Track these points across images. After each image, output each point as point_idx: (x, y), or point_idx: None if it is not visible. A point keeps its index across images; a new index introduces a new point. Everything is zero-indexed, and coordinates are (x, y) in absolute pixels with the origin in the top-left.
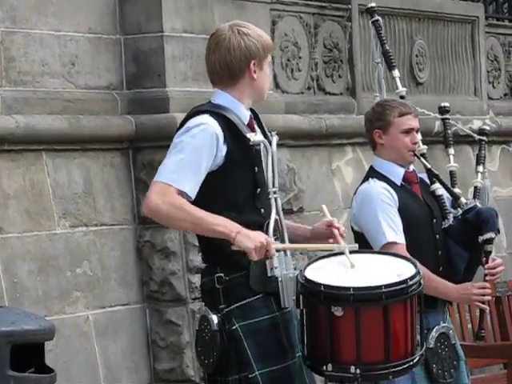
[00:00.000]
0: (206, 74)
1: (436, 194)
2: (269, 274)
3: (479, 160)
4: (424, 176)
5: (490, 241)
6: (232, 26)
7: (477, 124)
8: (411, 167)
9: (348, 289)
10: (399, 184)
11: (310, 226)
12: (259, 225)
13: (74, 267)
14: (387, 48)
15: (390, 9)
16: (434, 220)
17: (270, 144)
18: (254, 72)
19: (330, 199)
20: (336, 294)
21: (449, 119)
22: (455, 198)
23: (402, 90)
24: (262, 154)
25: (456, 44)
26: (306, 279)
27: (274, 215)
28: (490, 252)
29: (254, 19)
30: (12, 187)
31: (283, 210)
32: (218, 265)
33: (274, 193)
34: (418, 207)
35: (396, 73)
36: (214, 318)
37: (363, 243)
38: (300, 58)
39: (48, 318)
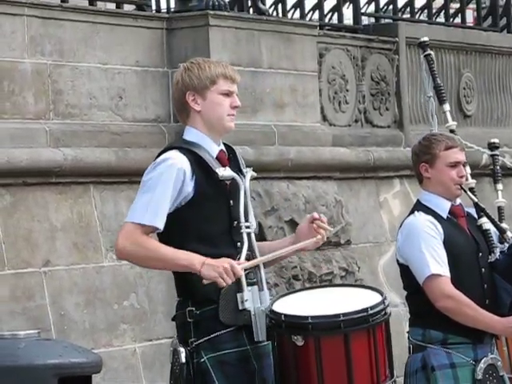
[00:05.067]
0: (253, 107)
1: (483, 228)
2: (240, 308)
3: None
4: (472, 210)
5: None
6: (185, 63)
7: None
8: (458, 201)
9: (306, 318)
10: (445, 217)
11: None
12: (233, 258)
13: (121, 300)
14: (439, 82)
15: (438, 41)
16: (480, 254)
17: (244, 179)
18: (196, 103)
19: (378, 232)
20: (295, 324)
21: (498, 155)
22: (501, 232)
23: (452, 123)
24: (239, 189)
25: (503, 76)
26: (271, 310)
27: (245, 250)
28: None
29: (300, 52)
30: (59, 220)
31: (330, 242)
32: (190, 299)
33: (247, 227)
34: (464, 240)
35: (447, 107)
36: (182, 351)
37: (408, 276)
38: (347, 90)
39: (95, 350)
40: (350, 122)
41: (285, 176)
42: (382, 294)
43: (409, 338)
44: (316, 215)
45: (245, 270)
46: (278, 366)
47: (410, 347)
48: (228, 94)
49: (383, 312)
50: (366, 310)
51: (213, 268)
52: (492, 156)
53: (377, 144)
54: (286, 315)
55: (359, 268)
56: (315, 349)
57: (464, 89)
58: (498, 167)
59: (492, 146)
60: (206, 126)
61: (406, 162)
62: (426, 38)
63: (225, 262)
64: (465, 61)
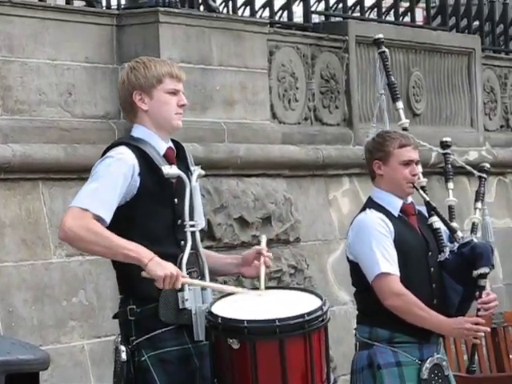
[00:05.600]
0: (203, 104)
1: (433, 227)
2: (180, 307)
3: (478, 196)
4: (423, 209)
5: (484, 275)
6: (130, 62)
7: (473, 155)
8: (409, 199)
9: (242, 321)
10: (396, 215)
11: (239, 255)
12: (177, 257)
13: (69, 296)
14: (392, 79)
15: (388, 40)
16: (430, 253)
17: (191, 177)
18: (143, 102)
19: (327, 230)
20: (232, 327)
21: (450, 154)
22: (452, 232)
23: (405, 121)
24: (185, 187)
25: (453, 76)
26: (209, 312)
27: (188, 249)
28: (484, 287)
29: (251, 49)
30: (8, 216)
31: (279, 240)
32: (131, 297)
33: (191, 226)
34: (414, 239)
35: (400, 104)
36: (123, 350)
37: (357, 273)
38: (297, 88)
39: (43, 347)
40: (299, 120)
41: (234, 173)
42: (321, 298)
43: (356, 335)
44: (264, 252)
45: (188, 273)
46: (215, 367)
47: (356, 344)
48: (174, 93)
49: (321, 318)
50: (302, 316)
51: (161, 267)
52: (444, 155)
53: (326, 142)
54: (222, 318)
55: (308, 266)
56: (250, 353)
57: (413, 87)
58: (450, 166)
59: (444, 145)
60: (153, 125)
61: (355, 160)
62: (380, 36)
63: (172, 268)
64: (414, 60)
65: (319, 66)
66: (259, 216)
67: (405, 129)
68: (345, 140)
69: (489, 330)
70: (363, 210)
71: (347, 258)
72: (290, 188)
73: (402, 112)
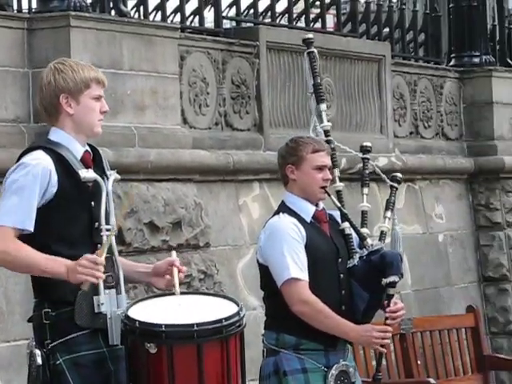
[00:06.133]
0: (114, 109)
1: (345, 233)
2: (96, 310)
3: (388, 205)
4: (337, 214)
5: (392, 284)
6: (54, 63)
7: (382, 162)
8: (321, 205)
9: (160, 326)
10: (308, 221)
11: (151, 265)
12: None
13: None
14: (318, 81)
15: (298, 46)
16: (340, 259)
17: (107, 181)
18: (69, 106)
19: (237, 235)
20: (149, 331)
21: (369, 159)
22: (361, 239)
23: (326, 124)
24: (101, 191)
25: (363, 82)
26: (126, 316)
27: (104, 253)
28: (393, 295)
29: (162, 54)
30: None
31: (189, 245)
32: (46, 300)
33: (107, 230)
34: (325, 245)
35: (323, 107)
36: (38, 354)
37: (267, 276)
38: (208, 93)
39: None
40: (210, 125)
41: (144, 178)
42: (238, 304)
43: (263, 341)
44: (177, 263)
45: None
46: (131, 372)
47: (263, 351)
48: (98, 99)
49: (238, 324)
50: (220, 321)
51: (76, 271)
52: (363, 159)
53: (237, 147)
54: (140, 322)
55: (218, 271)
56: (168, 357)
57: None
58: (367, 171)
59: (364, 150)
60: (74, 129)
61: (265, 166)
62: (310, 35)
63: (80, 260)
64: (325, 66)
65: (230, 71)
66: (169, 221)
67: (327, 131)
68: (255, 145)
69: (388, 341)
70: (276, 213)
71: (257, 261)
72: (201, 193)
73: (324, 114)
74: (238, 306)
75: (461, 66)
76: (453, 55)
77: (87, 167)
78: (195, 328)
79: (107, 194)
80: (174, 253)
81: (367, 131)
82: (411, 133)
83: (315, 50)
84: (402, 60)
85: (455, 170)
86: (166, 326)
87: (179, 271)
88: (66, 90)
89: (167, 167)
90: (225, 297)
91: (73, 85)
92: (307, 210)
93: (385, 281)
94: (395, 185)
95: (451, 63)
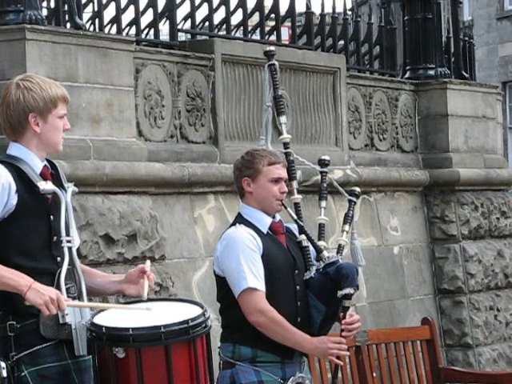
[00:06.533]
0: (69, 121)
1: (302, 245)
2: (61, 322)
3: (346, 219)
4: (294, 226)
5: (348, 296)
6: (20, 79)
7: (338, 174)
8: (278, 217)
9: (127, 329)
10: (265, 232)
11: (123, 274)
12: (53, 273)
13: None
14: (279, 93)
15: (254, 59)
16: (297, 271)
17: (66, 194)
18: (37, 125)
19: (192, 247)
20: (116, 335)
21: (327, 172)
22: (318, 251)
23: (286, 136)
24: (60, 203)
25: (318, 94)
26: (92, 323)
27: (66, 264)
28: (348, 307)
29: (117, 67)
30: None
31: (145, 257)
32: (10, 313)
33: (68, 242)
34: (282, 257)
35: (283, 119)
36: (3, 366)
37: (224, 287)
38: (163, 106)
39: None
40: (165, 138)
41: (100, 191)
42: (202, 307)
43: (219, 353)
44: (147, 270)
45: (68, 294)
46: (99, 379)
47: (220, 363)
48: (62, 117)
49: (204, 324)
50: (186, 321)
51: (39, 295)
52: (321, 173)
53: (192, 160)
54: (106, 327)
55: (173, 283)
56: (136, 360)
57: None
58: (325, 184)
59: (322, 163)
60: (37, 146)
61: (220, 178)
62: (272, 48)
63: (52, 293)
64: (280, 78)
65: (185, 83)
66: (125, 233)
67: (286, 143)
68: (210, 158)
69: (349, 353)
70: (233, 224)
71: (214, 272)
72: (156, 205)
73: (284, 127)
74: (202, 308)
75: (416, 78)
76: (408, 67)
77: (46, 180)
78: (162, 330)
79: (66, 206)
80: (148, 262)
81: (322, 143)
82: (366, 145)
83: (276, 63)
84: (357, 72)
85: (410, 183)
86: (133, 329)
87: (148, 278)
88: (36, 109)
89: (123, 180)
90: (189, 301)
91: (42, 104)
92: (264, 222)
93: (340, 293)
94: (353, 199)
95: (406, 75)
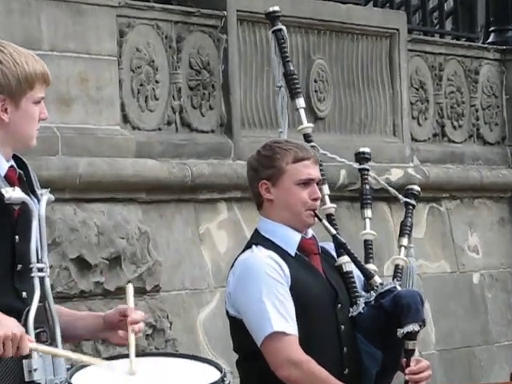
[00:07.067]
0: None
1: (343, 271)
2: (27, 379)
3: (404, 230)
4: (329, 245)
5: (412, 335)
6: None
7: (396, 174)
8: (310, 232)
9: None
10: (293, 254)
11: (102, 313)
12: (19, 312)
13: None
14: (291, 68)
15: (281, 16)
16: (339, 305)
17: (39, 204)
18: (5, 111)
19: (197, 275)
20: None
21: (368, 170)
22: (367, 278)
23: (307, 125)
24: (31, 218)
25: (369, 66)
26: None
27: (36, 301)
28: (413, 351)
29: (94, 28)
30: None
31: (134, 287)
32: None
33: (40, 270)
34: (318, 286)
35: (300, 102)
36: None
37: (241, 332)
38: (157, 82)
39: None
40: (160, 125)
41: (71, 197)
42: (221, 370)
43: None
44: (132, 315)
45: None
46: None
47: None
48: (39, 102)
49: None
50: None
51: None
52: (360, 171)
53: (197, 155)
54: None
55: (171, 324)
56: None
57: (315, 81)
58: (368, 187)
59: (360, 158)
60: (2, 140)
61: (235, 180)
62: (276, 8)
63: (15, 328)
64: (316, 43)
65: (187, 51)
66: (105, 256)
67: (307, 135)
68: (222, 153)
69: None
70: (248, 247)
71: (227, 312)
72: (148, 218)
73: (303, 112)
74: (220, 371)
75: (503, 43)
76: (492, 29)
77: (12, 186)
78: None
79: (39, 221)
80: (130, 286)
81: (375, 132)
82: (435, 135)
83: (284, 28)
84: (423, 36)
85: (496, 186)
86: None
87: (133, 330)
88: (6, 90)
89: (102, 182)
90: (198, 358)
91: (15, 84)
92: (290, 240)
93: (401, 331)
94: (411, 201)
95: (490, 39)
